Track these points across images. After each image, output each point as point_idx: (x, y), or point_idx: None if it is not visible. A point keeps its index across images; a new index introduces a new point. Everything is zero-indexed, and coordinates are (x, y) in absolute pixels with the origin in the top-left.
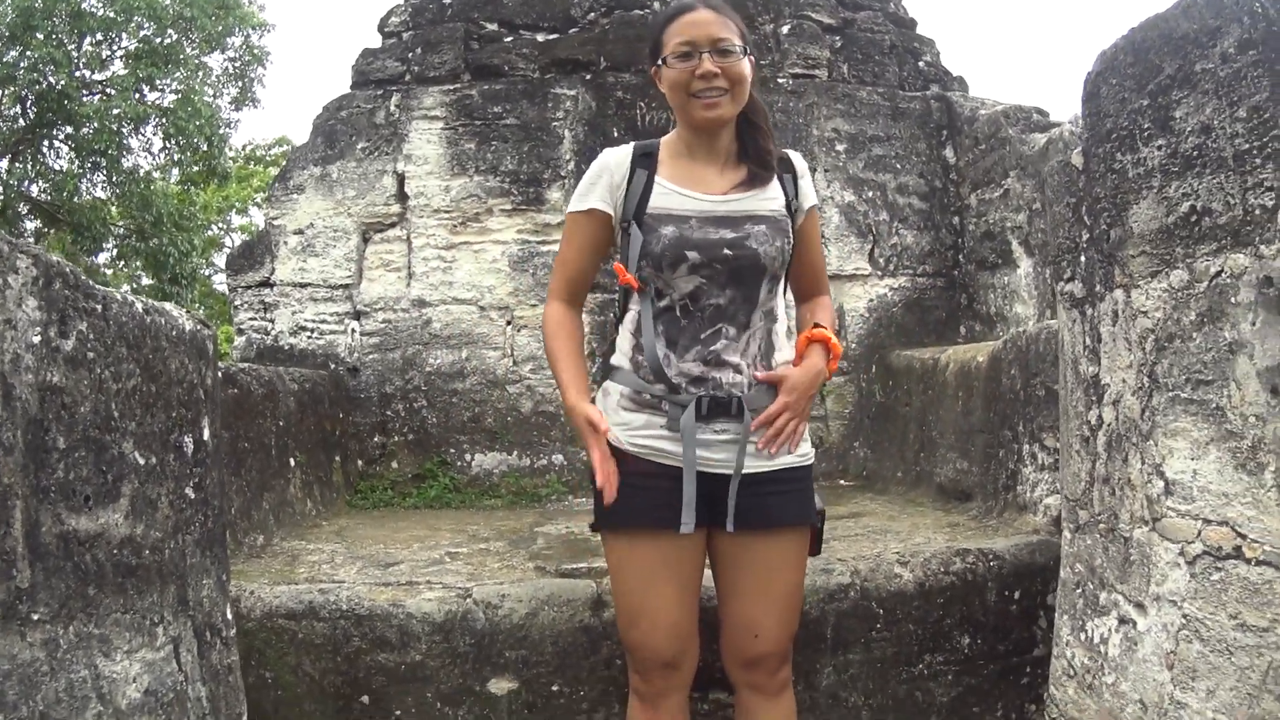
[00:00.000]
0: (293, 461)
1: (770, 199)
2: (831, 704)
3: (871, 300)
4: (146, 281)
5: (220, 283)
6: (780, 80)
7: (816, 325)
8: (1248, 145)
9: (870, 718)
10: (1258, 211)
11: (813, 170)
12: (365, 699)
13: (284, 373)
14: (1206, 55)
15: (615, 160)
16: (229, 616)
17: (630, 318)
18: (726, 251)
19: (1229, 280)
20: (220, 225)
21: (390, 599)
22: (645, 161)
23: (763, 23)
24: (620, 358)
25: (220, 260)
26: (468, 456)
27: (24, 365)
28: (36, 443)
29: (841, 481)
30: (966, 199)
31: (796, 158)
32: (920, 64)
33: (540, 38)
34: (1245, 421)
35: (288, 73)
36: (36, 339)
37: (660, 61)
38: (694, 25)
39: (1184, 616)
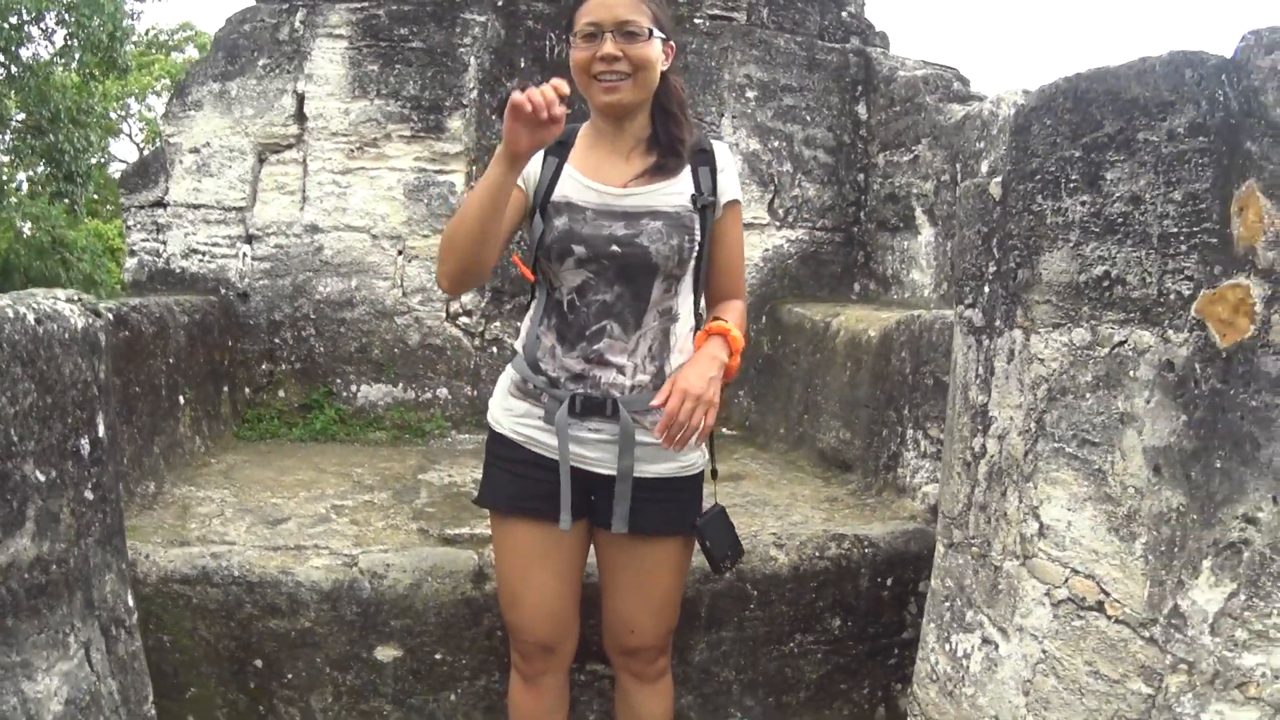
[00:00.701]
0: (182, 399)
1: (676, 193)
2: (704, 678)
3: (767, 250)
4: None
5: (117, 169)
6: (697, 20)
7: (716, 319)
8: (1176, 229)
9: (741, 691)
10: (1173, 297)
11: (720, 115)
12: (258, 663)
13: (174, 305)
14: (1153, 127)
15: None
16: (130, 603)
17: (534, 305)
18: (614, 248)
19: (1131, 353)
20: (119, 112)
21: (280, 565)
22: (559, 149)
23: None
24: (519, 342)
25: (118, 149)
26: (354, 387)
27: None
28: None
29: (724, 430)
30: (874, 158)
31: (720, 149)
32: (844, 14)
33: None
34: (1125, 490)
35: None
36: None
37: (568, 40)
38: (602, 6)
39: (1043, 651)
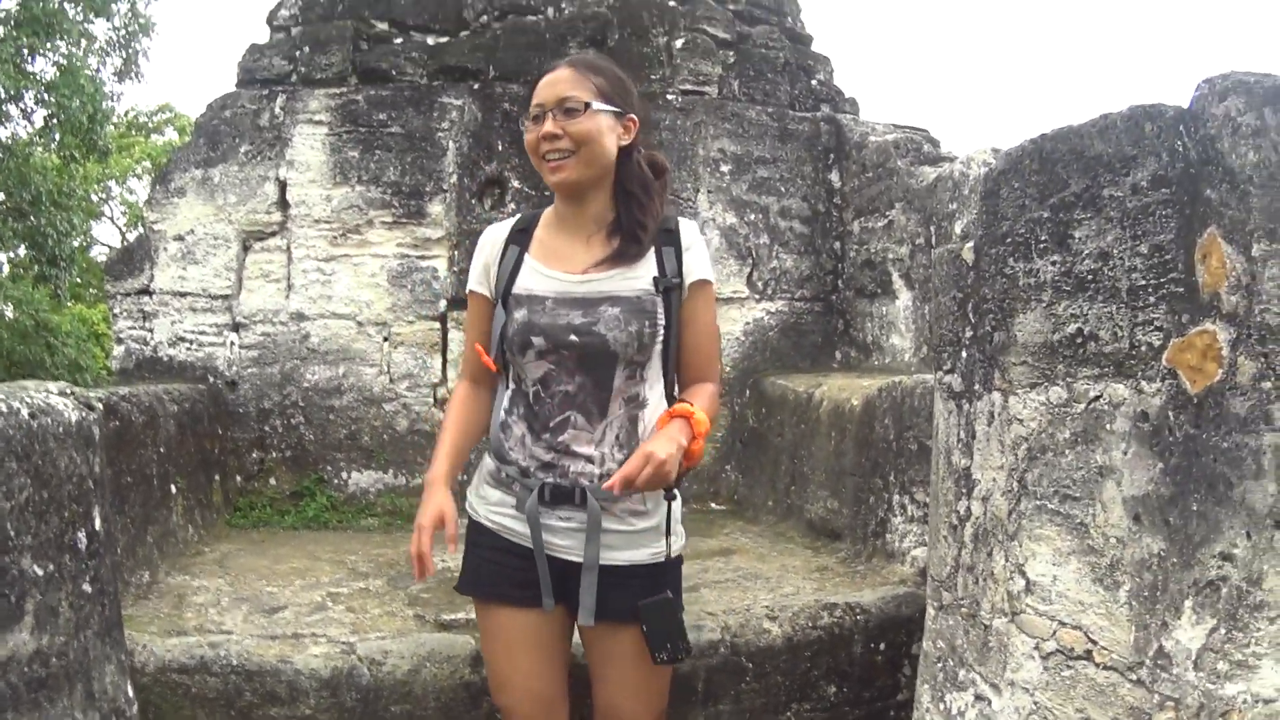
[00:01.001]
0: (174, 488)
1: (636, 277)
2: None
3: (748, 324)
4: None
5: (100, 253)
6: (670, 97)
7: (681, 400)
8: (1144, 281)
9: None
10: (1144, 348)
11: (696, 191)
12: None
13: (164, 394)
14: (1117, 182)
15: (491, 239)
16: (130, 694)
17: (505, 396)
18: (572, 337)
19: (1107, 407)
20: (100, 194)
21: (278, 654)
22: (520, 237)
23: (656, 35)
24: (493, 432)
25: (99, 231)
26: (344, 474)
27: None
28: None
29: (713, 505)
30: (850, 225)
31: (686, 227)
32: (813, 82)
33: (431, 40)
34: (1107, 541)
35: (173, 41)
36: None
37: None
38: (547, 85)
39: (1035, 703)
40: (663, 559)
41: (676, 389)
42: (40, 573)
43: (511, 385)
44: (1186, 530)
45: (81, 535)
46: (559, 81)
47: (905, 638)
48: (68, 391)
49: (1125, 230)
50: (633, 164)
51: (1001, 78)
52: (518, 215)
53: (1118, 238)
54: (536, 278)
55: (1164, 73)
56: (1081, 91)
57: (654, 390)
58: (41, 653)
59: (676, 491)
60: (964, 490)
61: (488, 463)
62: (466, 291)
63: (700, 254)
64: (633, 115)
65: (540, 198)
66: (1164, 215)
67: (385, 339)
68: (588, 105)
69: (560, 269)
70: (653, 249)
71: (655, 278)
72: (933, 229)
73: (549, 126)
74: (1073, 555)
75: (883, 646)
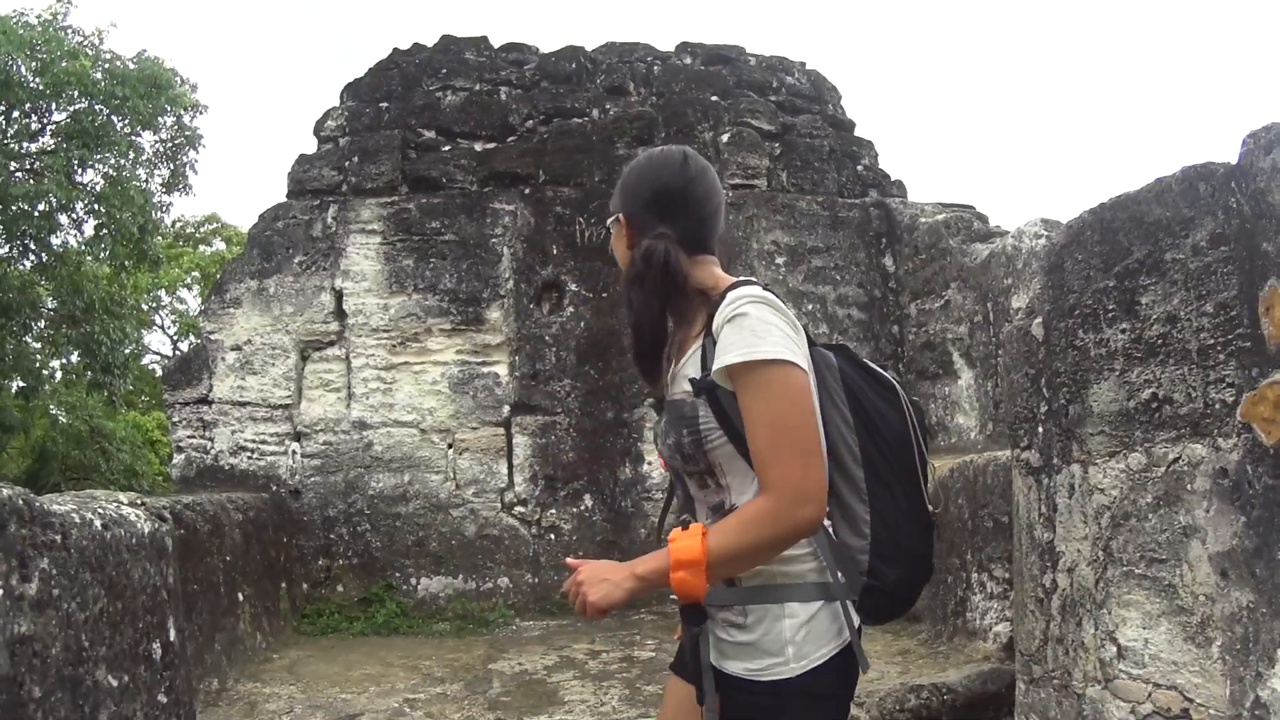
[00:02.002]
0: (241, 596)
1: (684, 376)
2: None
3: None
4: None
5: (151, 361)
6: None
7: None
8: (1213, 340)
9: None
10: (1218, 406)
11: None
12: None
13: (228, 503)
14: (1178, 245)
15: None
16: None
17: None
18: (659, 446)
19: (1186, 468)
20: (150, 304)
21: None
22: None
23: (701, 131)
24: None
25: (150, 339)
26: (413, 580)
27: None
28: (12, 699)
29: None
30: (906, 308)
31: (726, 305)
32: (859, 168)
33: (479, 146)
34: (1196, 599)
35: (220, 153)
36: None
37: None
38: None
39: None
40: (771, 676)
41: None
42: (115, 684)
43: None
44: (1274, 580)
45: (156, 646)
46: None
47: (993, 714)
48: (139, 502)
49: (1190, 291)
50: (631, 262)
51: (1034, 146)
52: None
53: (1183, 299)
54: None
55: (1191, 131)
56: (1116, 157)
57: (738, 492)
58: None
59: (787, 608)
60: (1048, 564)
61: None
62: (794, 360)
63: (731, 336)
64: (619, 214)
65: (598, 300)
66: (1225, 272)
67: (449, 445)
68: (616, 217)
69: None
70: (696, 346)
71: (692, 379)
72: (989, 305)
73: None
74: (1163, 617)
75: None
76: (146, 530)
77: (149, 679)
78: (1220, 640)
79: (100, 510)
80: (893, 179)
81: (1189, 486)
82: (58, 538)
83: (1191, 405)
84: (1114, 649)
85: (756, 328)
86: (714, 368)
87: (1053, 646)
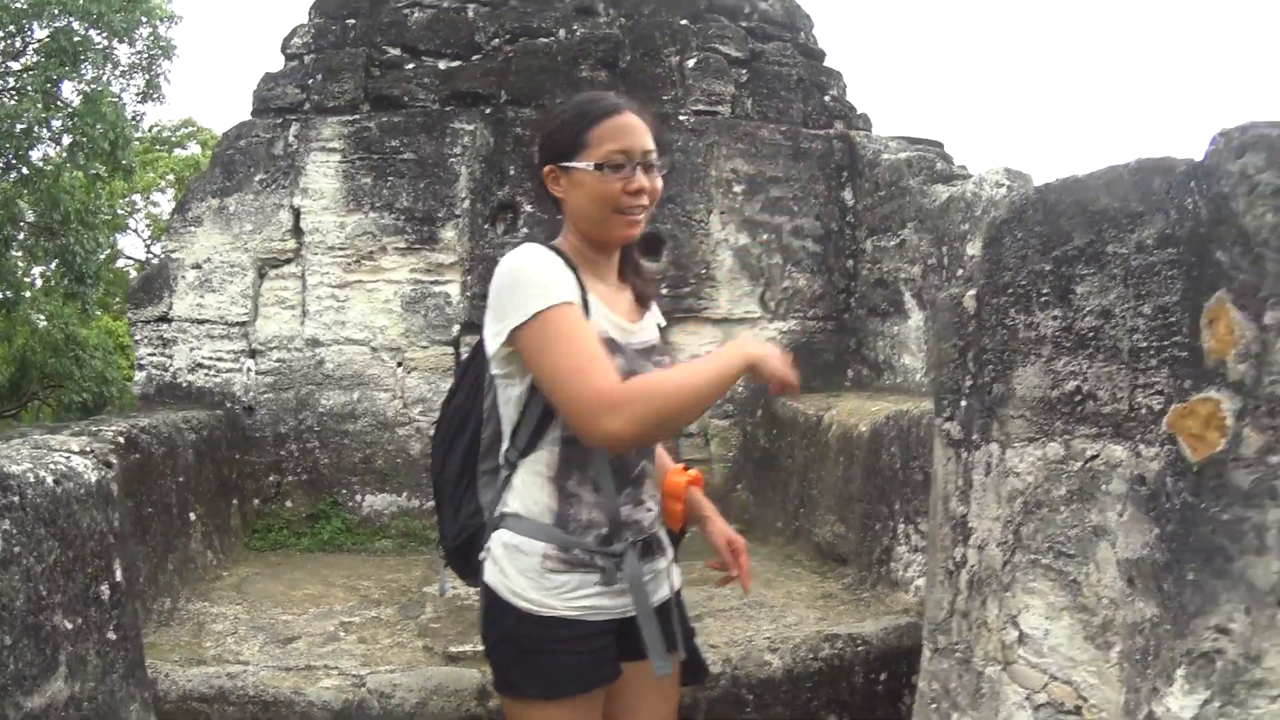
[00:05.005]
0: (193, 516)
1: (652, 325)
2: None
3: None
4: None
5: (125, 264)
6: (682, 117)
7: (687, 467)
8: (1146, 343)
9: None
10: (1144, 411)
11: (708, 212)
12: None
13: (183, 423)
14: (1121, 239)
15: (558, 265)
16: None
17: (544, 461)
18: None
19: (1104, 468)
20: (125, 209)
21: (292, 686)
22: (575, 274)
23: (668, 55)
24: (536, 509)
25: (124, 243)
26: (359, 497)
27: None
28: None
29: None
30: (862, 243)
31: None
32: (826, 98)
33: (443, 65)
34: (1100, 601)
35: (195, 61)
36: None
37: (575, 164)
38: (629, 132)
39: None
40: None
41: None
42: (70, 626)
43: (551, 449)
44: (1181, 599)
45: (104, 588)
46: (642, 132)
47: (906, 668)
48: (88, 450)
49: (1129, 289)
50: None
51: (1022, 91)
52: (548, 244)
53: (1120, 296)
54: (611, 325)
55: (1193, 105)
56: (1105, 115)
57: None
58: (75, 698)
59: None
60: (960, 537)
61: (539, 545)
62: (559, 305)
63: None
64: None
65: (552, 221)
66: (1170, 276)
67: (399, 364)
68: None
69: (621, 316)
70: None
71: (658, 324)
72: (944, 249)
73: (642, 180)
74: (1065, 611)
75: (884, 677)
76: (94, 480)
77: (99, 619)
78: (1120, 646)
79: (52, 466)
80: (859, 112)
81: (1104, 487)
82: (16, 499)
83: (1116, 405)
84: (1015, 633)
85: None
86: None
87: (958, 620)
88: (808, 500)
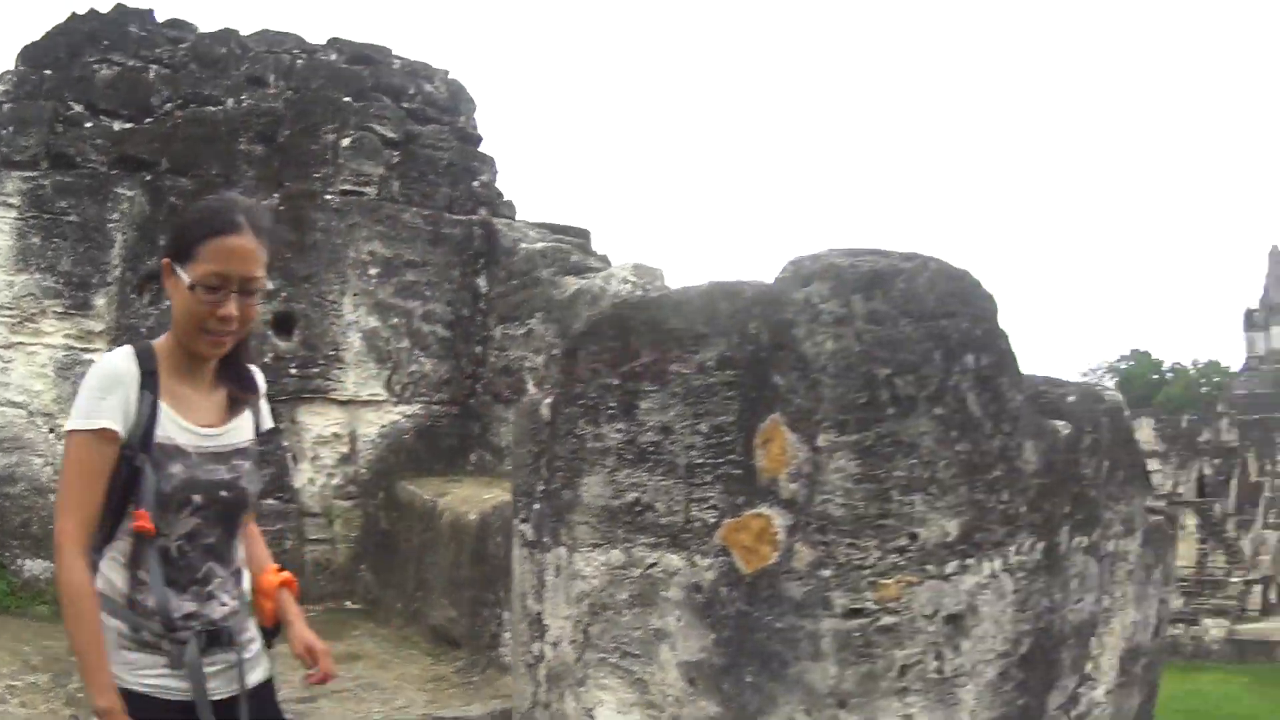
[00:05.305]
0: None
1: (246, 427)
2: None
3: (384, 426)
4: None
5: None
6: (329, 196)
7: (281, 569)
8: (702, 460)
9: None
10: (698, 525)
11: (342, 294)
12: None
13: None
14: (684, 359)
15: (128, 372)
16: None
17: (121, 549)
18: (223, 493)
19: (662, 575)
20: None
21: None
22: (149, 380)
23: (326, 132)
24: (111, 590)
25: None
26: (20, 561)
27: None
28: None
29: (348, 604)
30: (492, 330)
31: (258, 374)
32: (475, 184)
33: (117, 126)
34: (666, 699)
35: None
36: None
37: (180, 272)
38: (233, 255)
39: None
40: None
41: None
42: None
43: (127, 540)
44: (741, 700)
45: None
46: (248, 256)
47: None
48: None
49: (689, 407)
50: None
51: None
52: (132, 349)
53: (680, 414)
54: (175, 429)
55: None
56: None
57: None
58: None
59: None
60: (537, 634)
61: (113, 625)
62: (80, 431)
63: (266, 400)
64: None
65: None
66: (727, 396)
67: (51, 430)
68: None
69: (194, 421)
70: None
71: (256, 428)
72: (515, 433)
73: (232, 309)
74: (635, 707)
75: None
76: None
77: None
78: None
79: None
80: (505, 199)
81: (663, 593)
82: None
83: (673, 518)
84: None
85: None
86: (267, 425)
87: (540, 711)
88: (424, 584)
